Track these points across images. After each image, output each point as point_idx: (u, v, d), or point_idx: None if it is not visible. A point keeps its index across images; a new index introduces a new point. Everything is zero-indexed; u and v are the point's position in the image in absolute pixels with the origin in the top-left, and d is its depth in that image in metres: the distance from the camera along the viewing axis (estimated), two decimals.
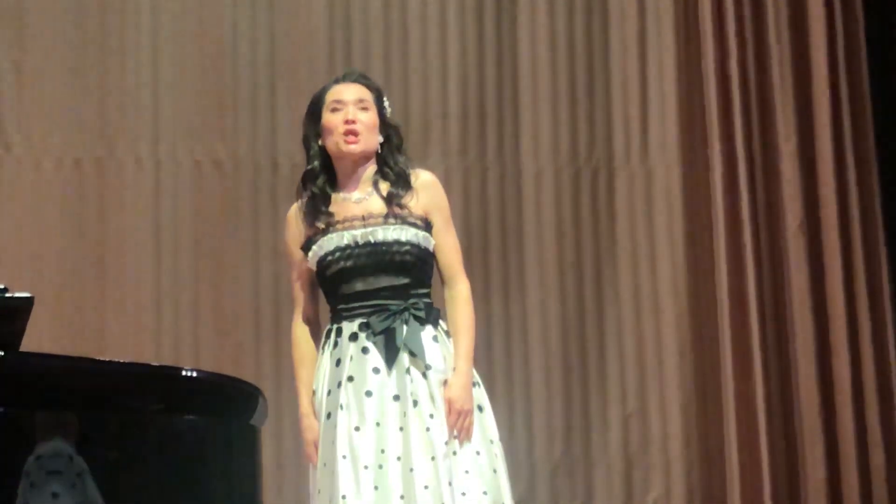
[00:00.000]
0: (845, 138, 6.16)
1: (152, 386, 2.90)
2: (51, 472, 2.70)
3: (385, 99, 4.12)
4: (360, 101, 4.02)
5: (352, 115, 4.00)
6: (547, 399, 6.10)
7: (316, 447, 3.93)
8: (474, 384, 3.95)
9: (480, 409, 3.94)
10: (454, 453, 3.84)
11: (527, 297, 6.11)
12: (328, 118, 4.02)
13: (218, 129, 6.10)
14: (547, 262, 6.17)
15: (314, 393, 3.99)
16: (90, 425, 2.75)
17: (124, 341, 5.86)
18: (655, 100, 6.31)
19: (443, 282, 4.06)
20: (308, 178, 4.06)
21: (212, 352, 5.94)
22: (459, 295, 4.02)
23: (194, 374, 2.98)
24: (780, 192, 6.13)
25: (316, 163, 4.04)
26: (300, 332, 4.09)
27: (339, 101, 4.02)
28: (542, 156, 6.25)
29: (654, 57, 6.32)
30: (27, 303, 2.98)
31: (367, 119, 4.01)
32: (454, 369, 3.92)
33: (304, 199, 4.05)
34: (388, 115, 4.10)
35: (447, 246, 4.04)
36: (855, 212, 6.12)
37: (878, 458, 5.97)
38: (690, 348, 6.19)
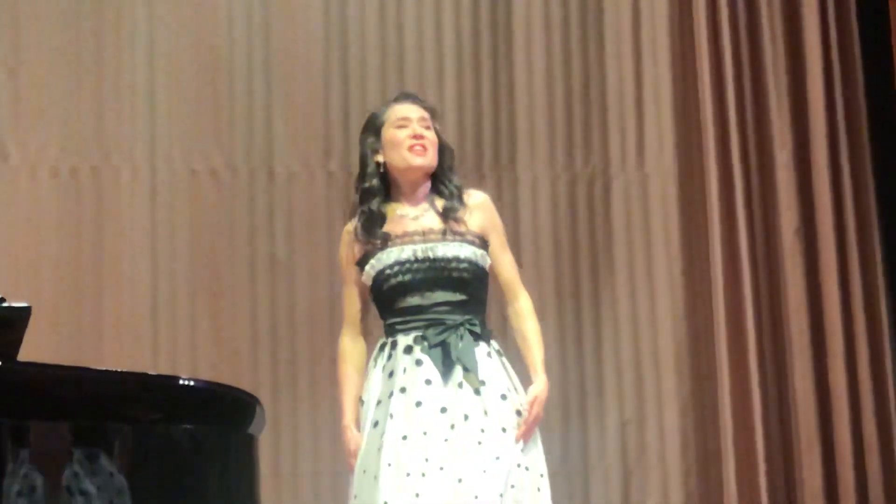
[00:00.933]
0: (841, 145, 6.16)
1: (149, 395, 2.90)
2: (46, 481, 2.70)
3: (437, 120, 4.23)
4: (423, 119, 4.16)
5: (419, 130, 4.12)
6: (544, 406, 6.09)
7: (356, 457, 3.98)
8: (520, 413, 4.02)
9: (504, 431, 3.98)
10: (500, 468, 3.88)
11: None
12: (394, 134, 4.13)
13: (214, 137, 6.10)
14: (543, 269, 6.17)
15: (361, 402, 4.04)
16: (87, 435, 2.75)
17: (121, 350, 5.86)
18: (651, 107, 6.31)
19: (506, 298, 4.18)
20: (367, 195, 4.14)
21: (209, 360, 5.94)
22: (524, 308, 4.16)
23: (191, 384, 2.98)
24: (776, 199, 6.14)
25: (375, 181, 4.13)
26: (350, 346, 4.14)
27: (405, 119, 4.14)
28: (538, 164, 6.26)
29: (649, 64, 6.33)
30: (25, 312, 2.98)
31: (432, 136, 4.14)
32: (537, 377, 4.06)
33: (361, 216, 4.13)
34: (442, 137, 4.22)
35: (506, 263, 4.17)
36: (851, 218, 6.13)
37: (874, 464, 5.97)
38: (687, 355, 6.19)
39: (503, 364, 4.06)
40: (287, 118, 6.14)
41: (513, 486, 3.89)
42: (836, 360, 6.02)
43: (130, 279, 5.96)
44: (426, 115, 4.17)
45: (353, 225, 4.16)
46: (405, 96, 4.29)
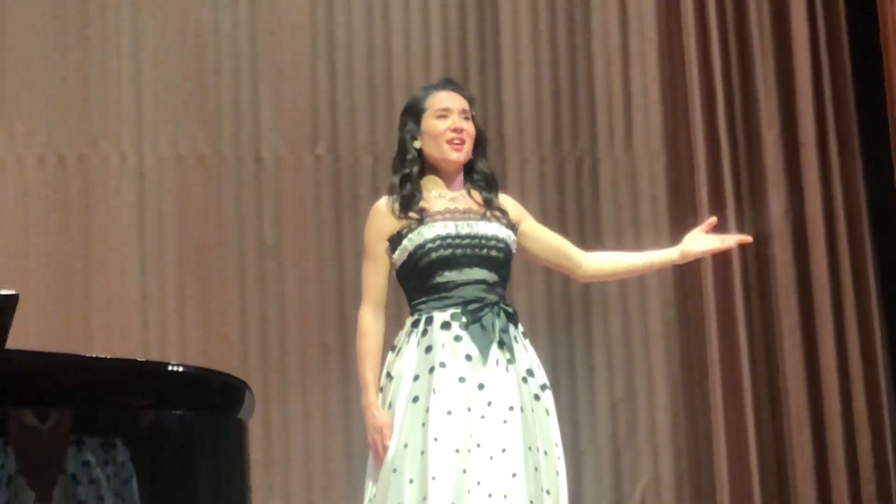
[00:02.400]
0: (828, 124, 6.16)
1: (139, 381, 2.90)
2: (39, 467, 2.70)
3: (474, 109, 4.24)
4: (464, 111, 4.15)
5: (459, 123, 4.12)
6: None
7: (383, 433, 3.94)
8: (545, 387, 4.06)
9: (547, 412, 4.03)
10: (529, 448, 3.90)
11: (512, 285, 6.11)
12: (433, 124, 4.12)
13: (201, 123, 6.09)
14: None
15: (390, 377, 4.01)
16: (78, 422, 2.75)
17: (110, 337, 5.86)
18: (639, 89, 6.31)
19: (573, 260, 4.24)
20: (405, 180, 4.13)
21: (198, 347, 5.93)
22: (593, 253, 4.29)
23: (181, 369, 2.99)
24: (764, 178, 6.14)
25: (415, 168, 4.12)
26: (370, 324, 4.08)
27: (446, 109, 4.14)
28: (525, 145, 6.26)
29: (636, 45, 6.32)
30: (12, 300, 2.97)
31: (471, 129, 4.14)
32: (671, 251, 4.25)
33: (400, 196, 4.11)
34: (479, 126, 4.22)
35: (551, 233, 4.29)
36: (839, 198, 6.13)
37: (864, 444, 5.98)
38: (677, 335, 6.20)
39: (525, 347, 4.07)
40: (274, 103, 6.13)
41: (536, 470, 3.90)
42: (826, 339, 6.02)
43: (119, 266, 5.95)
44: (467, 105, 4.17)
45: (385, 203, 4.13)
46: (447, 83, 4.27)
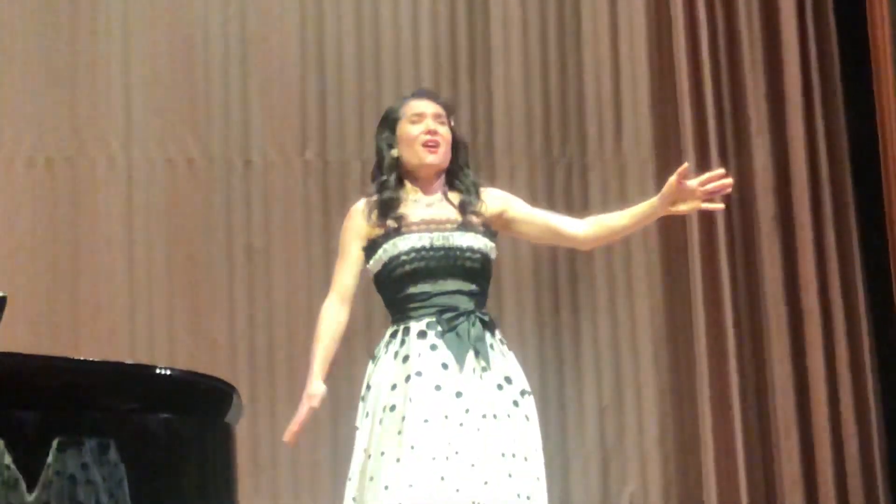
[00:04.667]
0: (817, 131, 6.18)
1: (127, 384, 2.90)
2: (25, 470, 2.69)
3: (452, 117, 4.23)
4: (439, 115, 4.16)
5: (432, 126, 4.13)
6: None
7: (311, 399, 4.01)
8: (527, 393, 4.05)
9: (528, 418, 4.01)
10: (503, 455, 3.90)
11: (502, 290, 6.11)
12: (408, 129, 4.14)
13: (190, 126, 6.09)
14: (521, 257, 6.17)
15: (368, 388, 4.03)
16: (64, 425, 2.74)
17: (98, 340, 5.85)
18: (628, 96, 6.32)
19: (568, 229, 4.18)
20: (383, 187, 4.15)
21: (186, 350, 5.93)
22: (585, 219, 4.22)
23: (168, 373, 2.98)
24: (754, 184, 6.15)
25: (392, 176, 4.14)
26: (328, 308, 4.11)
27: (419, 114, 4.16)
28: (515, 151, 6.26)
29: (626, 51, 6.33)
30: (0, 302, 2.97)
31: (446, 133, 4.15)
32: (649, 203, 4.11)
33: (377, 202, 4.13)
34: (457, 133, 4.22)
35: (541, 212, 4.26)
36: (828, 204, 6.14)
37: (852, 450, 5.99)
38: (665, 340, 6.20)
39: (503, 353, 4.07)
40: (263, 107, 6.13)
41: (510, 476, 3.90)
42: (814, 346, 6.04)
43: (107, 269, 5.94)
44: (441, 111, 4.18)
45: (364, 205, 4.15)
46: (422, 92, 4.33)
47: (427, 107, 4.18)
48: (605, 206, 6.24)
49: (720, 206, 4.25)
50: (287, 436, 4.06)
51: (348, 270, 4.14)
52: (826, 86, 6.21)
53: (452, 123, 4.21)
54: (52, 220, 5.95)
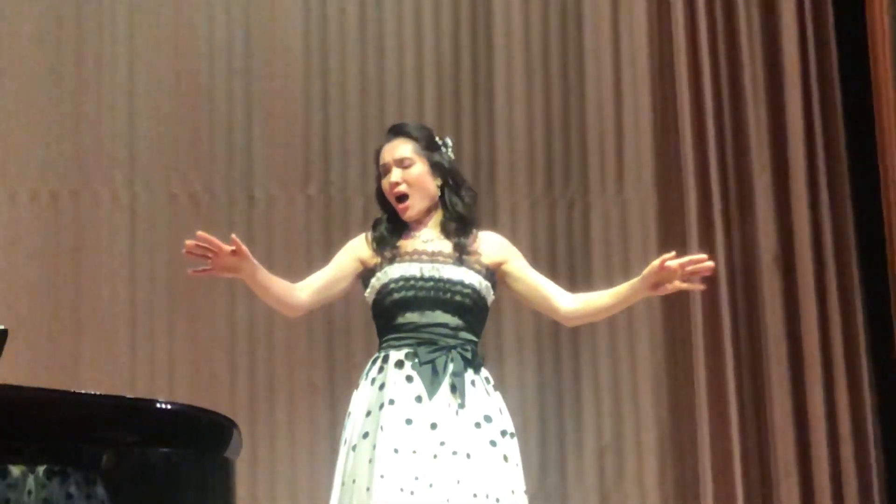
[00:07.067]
0: (819, 173, 6.18)
1: (127, 418, 2.90)
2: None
3: (439, 139, 4.20)
4: (402, 160, 4.14)
5: (395, 177, 4.13)
6: (522, 429, 6.07)
7: (238, 245, 3.96)
8: (508, 434, 4.02)
9: (506, 458, 3.98)
10: (475, 496, 3.87)
11: (502, 327, 6.11)
12: (383, 183, 4.17)
13: (194, 161, 6.10)
14: None
15: (349, 415, 4.03)
16: (65, 458, 2.74)
17: (99, 374, 5.85)
18: (631, 134, 6.33)
19: (557, 301, 4.15)
20: (378, 223, 4.19)
21: (186, 384, 5.93)
22: (576, 294, 4.19)
23: (168, 407, 2.98)
24: (755, 225, 6.15)
25: (386, 216, 4.17)
26: (293, 285, 4.12)
27: (384, 166, 4.17)
28: (517, 188, 6.27)
29: (629, 87, 6.34)
30: (1, 335, 2.97)
31: (412, 176, 4.12)
32: (630, 284, 4.09)
33: (375, 233, 4.16)
34: (446, 155, 4.19)
35: (537, 275, 4.20)
36: (829, 244, 6.13)
37: (851, 490, 5.96)
38: (665, 381, 6.19)
39: (487, 392, 4.04)
40: (266, 142, 6.14)
41: None
42: (815, 387, 6.02)
43: (109, 303, 5.95)
44: (407, 151, 4.14)
45: (371, 234, 4.19)
46: (389, 132, 4.26)
47: (390, 152, 4.16)
48: (608, 244, 6.27)
49: (700, 286, 4.21)
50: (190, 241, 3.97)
51: (325, 272, 4.17)
52: (828, 125, 6.21)
53: (444, 144, 4.18)
54: (55, 252, 5.96)
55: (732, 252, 6.14)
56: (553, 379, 6.16)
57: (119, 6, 6.10)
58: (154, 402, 3.02)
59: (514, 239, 6.14)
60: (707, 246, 6.09)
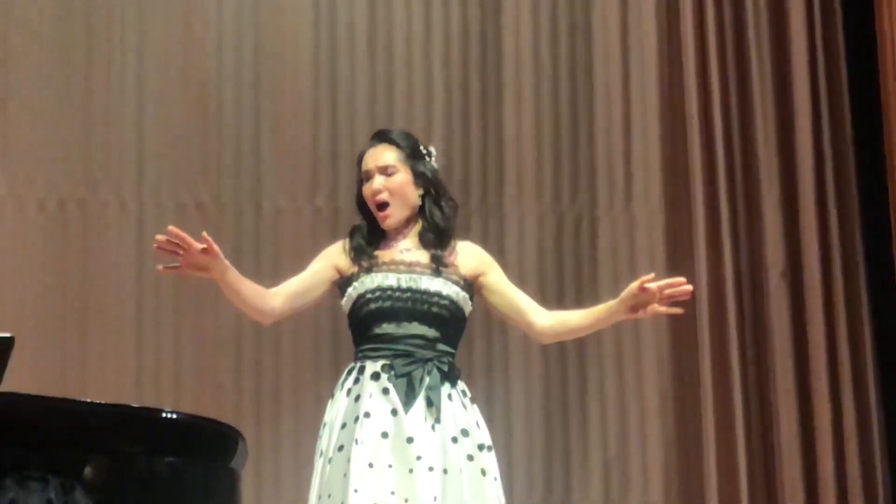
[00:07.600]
0: (828, 188, 6.18)
1: (132, 427, 2.90)
2: None
3: (424, 148, 4.16)
4: (385, 167, 4.10)
5: (377, 184, 4.08)
6: (528, 443, 6.09)
7: (209, 243, 3.92)
8: (486, 447, 3.99)
9: (484, 473, 3.95)
10: None
11: (508, 340, 6.11)
12: (364, 189, 4.13)
13: (202, 171, 6.11)
14: None
15: (325, 426, 3.99)
16: (69, 467, 2.74)
17: (105, 382, 5.85)
18: (639, 147, 6.33)
19: (530, 317, 4.10)
20: (356, 231, 4.16)
21: (192, 394, 5.93)
22: (550, 312, 4.13)
23: (174, 416, 2.98)
24: (763, 240, 6.15)
25: (365, 223, 4.14)
26: (269, 291, 4.08)
27: (366, 172, 4.12)
28: (525, 201, 6.27)
29: (637, 104, 6.35)
30: (7, 343, 2.97)
31: (394, 185, 4.08)
32: (607, 306, 4.00)
33: (353, 241, 4.13)
34: (430, 165, 4.15)
35: (514, 289, 4.13)
36: (837, 260, 6.14)
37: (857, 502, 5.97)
38: (671, 395, 6.19)
39: (464, 405, 4.01)
40: (274, 153, 6.15)
41: None
42: (822, 404, 6.02)
43: (115, 312, 5.95)
44: (390, 158, 4.11)
45: (348, 242, 4.15)
46: (373, 138, 4.22)
47: (374, 158, 4.11)
48: (615, 258, 6.27)
49: (678, 310, 4.09)
50: (161, 237, 3.91)
51: (300, 278, 4.13)
52: (837, 139, 6.21)
53: (427, 153, 4.15)
54: (62, 262, 5.96)
55: (740, 266, 6.14)
56: (559, 392, 6.16)
57: (129, 17, 6.11)
58: (160, 411, 3.01)
59: (521, 252, 6.21)
60: (715, 260, 6.10)
